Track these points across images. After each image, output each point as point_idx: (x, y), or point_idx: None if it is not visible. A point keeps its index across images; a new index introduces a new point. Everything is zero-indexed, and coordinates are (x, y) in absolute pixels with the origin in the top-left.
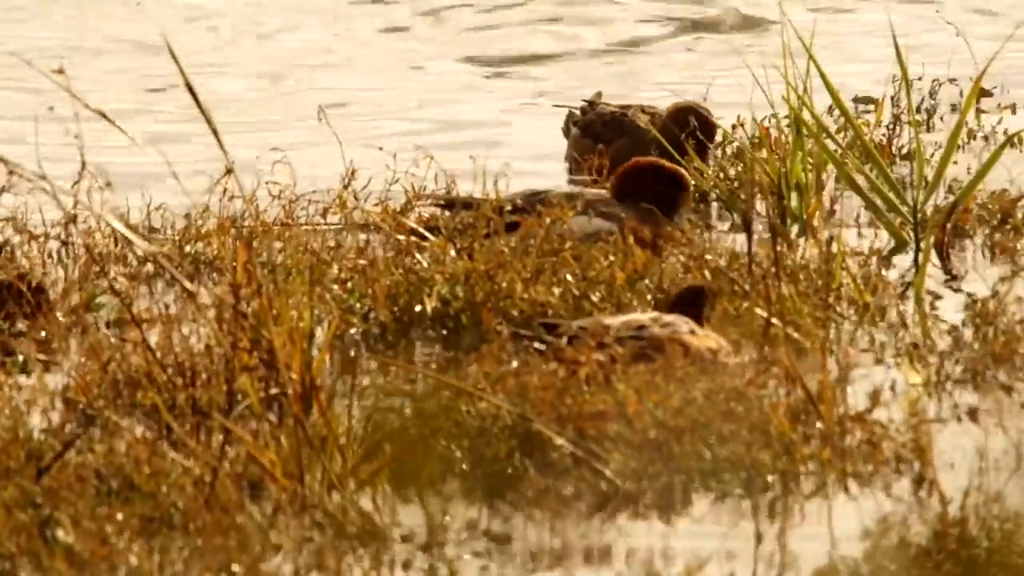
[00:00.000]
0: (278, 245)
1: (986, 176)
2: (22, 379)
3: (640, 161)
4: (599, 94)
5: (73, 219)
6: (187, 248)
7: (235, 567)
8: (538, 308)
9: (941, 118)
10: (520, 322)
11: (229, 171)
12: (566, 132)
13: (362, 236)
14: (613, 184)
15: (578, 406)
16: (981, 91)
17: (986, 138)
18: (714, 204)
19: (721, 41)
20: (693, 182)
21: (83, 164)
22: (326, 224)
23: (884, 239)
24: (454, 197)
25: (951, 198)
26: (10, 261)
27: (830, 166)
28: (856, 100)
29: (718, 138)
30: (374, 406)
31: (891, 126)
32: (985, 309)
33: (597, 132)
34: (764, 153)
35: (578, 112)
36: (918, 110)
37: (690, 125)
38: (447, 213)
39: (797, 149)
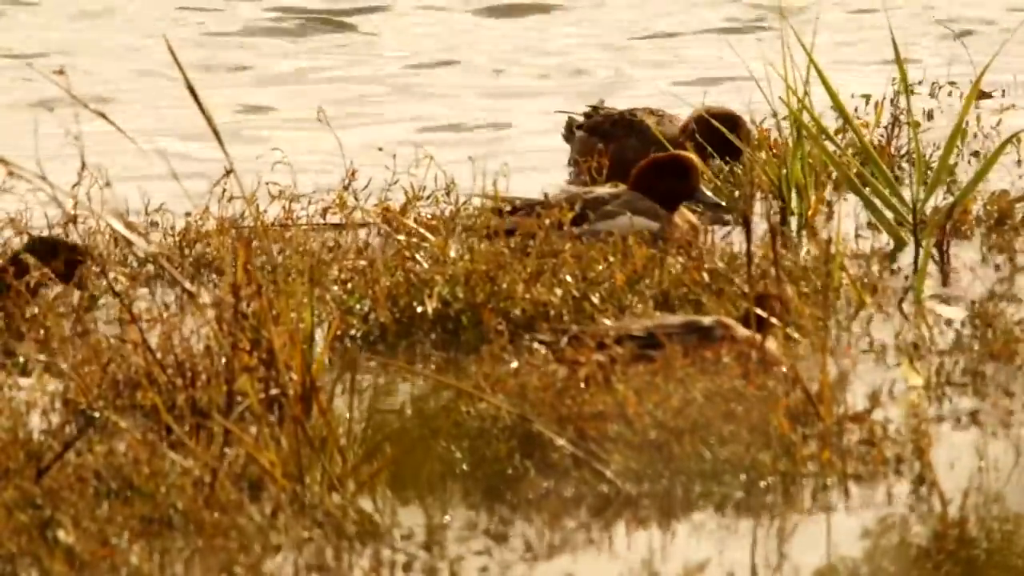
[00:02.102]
0: (278, 246)
1: (985, 177)
2: (22, 380)
3: (656, 157)
4: (601, 101)
5: (73, 220)
6: (187, 249)
7: (235, 567)
8: (540, 308)
9: (942, 110)
10: (524, 326)
11: (229, 172)
12: (567, 138)
13: (362, 236)
14: (632, 180)
15: (578, 407)
16: (980, 93)
17: (986, 139)
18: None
19: (720, 41)
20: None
21: (83, 164)
22: (325, 223)
23: (884, 240)
24: (530, 201)
25: (950, 199)
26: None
27: (830, 167)
28: (854, 96)
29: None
30: (374, 407)
31: (890, 127)
32: (984, 310)
33: (605, 131)
34: (764, 154)
35: (580, 118)
36: (926, 95)
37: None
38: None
39: (797, 151)
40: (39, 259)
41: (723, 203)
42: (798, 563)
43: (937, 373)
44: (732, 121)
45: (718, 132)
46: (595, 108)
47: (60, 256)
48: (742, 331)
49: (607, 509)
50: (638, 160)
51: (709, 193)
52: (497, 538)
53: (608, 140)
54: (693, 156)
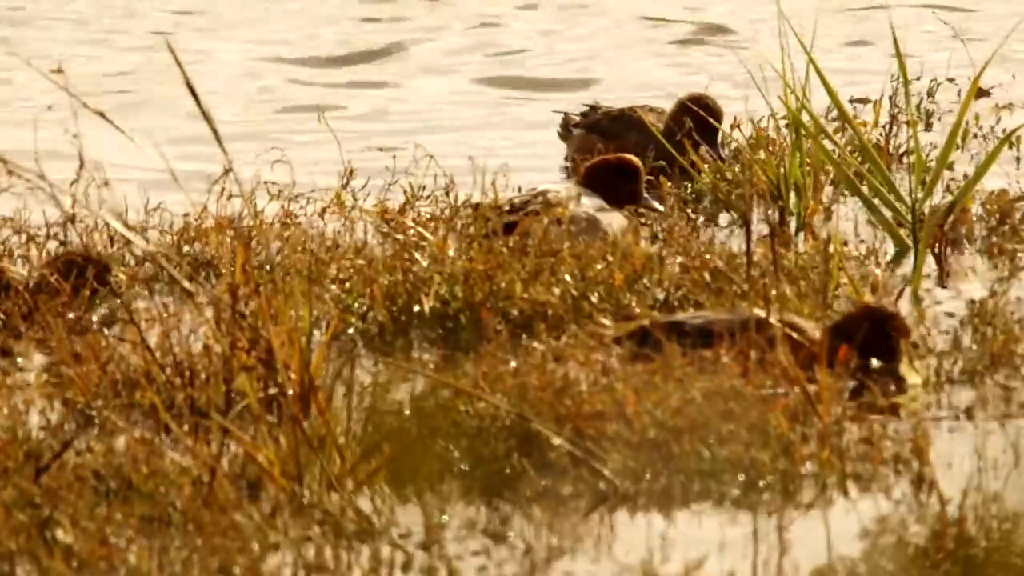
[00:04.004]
0: (276, 245)
1: (984, 176)
2: (21, 379)
3: (604, 158)
4: (596, 103)
5: (71, 219)
6: (185, 248)
7: (234, 566)
8: (538, 308)
9: (939, 118)
10: (522, 325)
11: (227, 171)
12: (562, 136)
13: (360, 236)
14: (582, 177)
15: (576, 406)
16: (979, 91)
17: (984, 138)
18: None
19: (719, 40)
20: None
21: (81, 163)
22: (324, 222)
23: (882, 239)
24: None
25: (949, 198)
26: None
27: (828, 166)
28: (852, 101)
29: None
30: (372, 406)
31: (888, 126)
32: (983, 309)
33: (604, 128)
34: (762, 154)
35: (576, 116)
36: (917, 108)
37: (701, 114)
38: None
39: (795, 150)
40: (65, 275)
41: (662, 209)
42: (797, 562)
43: (936, 372)
44: (703, 105)
45: (700, 120)
46: (592, 107)
47: (88, 271)
48: (812, 332)
49: (605, 508)
50: (651, 152)
51: (652, 200)
52: (495, 537)
53: (608, 137)
54: (635, 159)
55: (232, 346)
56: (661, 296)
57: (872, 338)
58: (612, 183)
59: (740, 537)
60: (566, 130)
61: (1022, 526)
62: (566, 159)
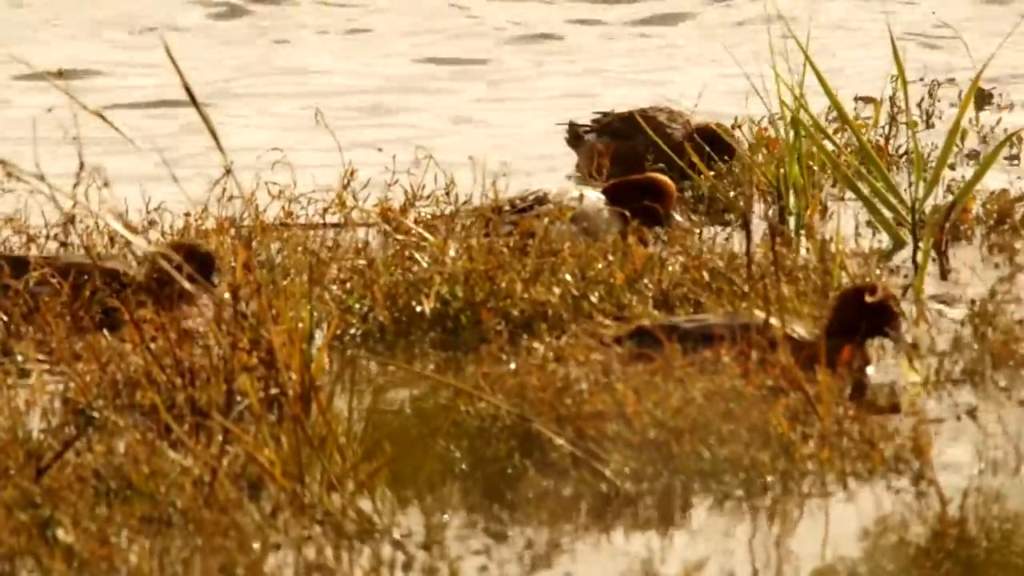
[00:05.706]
0: (277, 245)
1: (984, 176)
2: (22, 379)
3: (633, 177)
4: (613, 111)
5: (72, 220)
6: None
7: (234, 566)
8: (538, 308)
9: (940, 117)
10: (523, 325)
11: (228, 171)
12: (571, 143)
13: (361, 236)
14: (607, 193)
15: (577, 406)
16: (979, 91)
17: (984, 138)
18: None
19: (718, 40)
20: (675, 187)
21: (81, 164)
22: (324, 223)
23: (883, 240)
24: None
25: (950, 198)
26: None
27: (828, 167)
28: (858, 99)
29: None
30: (373, 406)
31: (888, 126)
32: (984, 309)
33: (615, 129)
34: (762, 155)
35: (584, 124)
36: (918, 106)
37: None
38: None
39: (794, 151)
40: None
41: (688, 225)
42: (797, 562)
43: (936, 372)
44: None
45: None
46: (605, 113)
47: (195, 260)
48: (800, 331)
49: (606, 508)
50: (650, 155)
51: (678, 217)
52: (496, 537)
53: (617, 137)
54: (666, 180)
55: (233, 346)
56: (661, 296)
57: (870, 320)
58: (638, 202)
59: (740, 537)
60: (575, 137)
61: (1022, 526)
62: (577, 166)
